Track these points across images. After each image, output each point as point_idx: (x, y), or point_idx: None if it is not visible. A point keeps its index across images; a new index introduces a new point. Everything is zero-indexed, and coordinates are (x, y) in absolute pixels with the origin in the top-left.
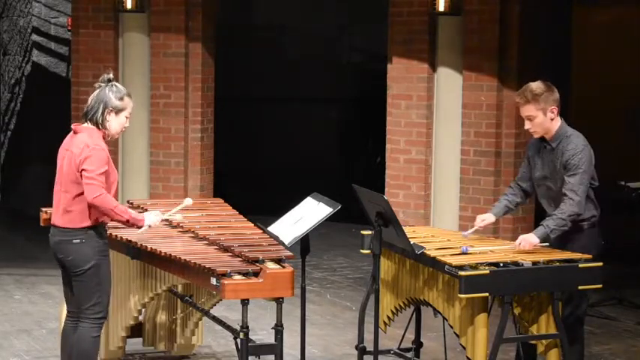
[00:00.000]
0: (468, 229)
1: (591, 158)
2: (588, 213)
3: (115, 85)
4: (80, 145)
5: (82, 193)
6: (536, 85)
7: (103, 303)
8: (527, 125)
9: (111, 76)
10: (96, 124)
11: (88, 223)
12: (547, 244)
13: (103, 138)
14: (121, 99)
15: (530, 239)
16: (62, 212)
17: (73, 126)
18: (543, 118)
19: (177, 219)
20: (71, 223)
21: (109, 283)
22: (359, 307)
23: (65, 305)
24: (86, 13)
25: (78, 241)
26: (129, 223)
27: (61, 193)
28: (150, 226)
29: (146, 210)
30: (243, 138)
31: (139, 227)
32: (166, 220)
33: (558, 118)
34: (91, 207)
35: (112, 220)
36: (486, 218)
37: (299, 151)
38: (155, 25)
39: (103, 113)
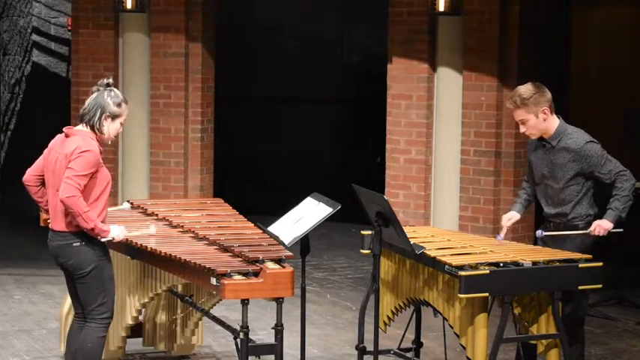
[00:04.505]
0: (468, 230)
1: (601, 147)
2: (584, 212)
3: (114, 91)
4: (72, 148)
5: None
6: (525, 89)
7: (109, 303)
8: (522, 129)
9: (110, 80)
10: (92, 127)
11: None
12: (621, 229)
13: (97, 141)
14: (119, 105)
15: (604, 225)
16: (59, 216)
17: (65, 129)
18: (536, 120)
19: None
20: (69, 227)
21: (112, 282)
22: (359, 307)
23: (65, 305)
24: (86, 13)
25: (77, 244)
26: (94, 232)
27: (56, 197)
28: (113, 239)
29: (146, 210)
30: (243, 138)
31: (102, 237)
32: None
33: (554, 117)
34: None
35: (77, 223)
36: (512, 217)
37: (299, 151)
38: (155, 25)
39: (100, 118)
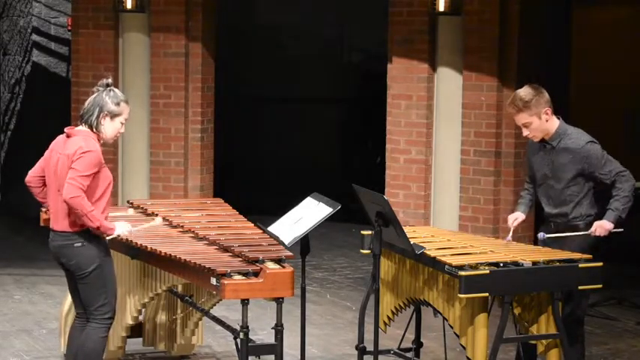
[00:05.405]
0: (468, 230)
1: (601, 147)
2: (585, 212)
3: (113, 90)
4: (74, 148)
5: None
6: (525, 92)
7: (110, 303)
8: (525, 132)
9: (110, 80)
10: (90, 127)
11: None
12: (622, 229)
13: (98, 141)
14: (118, 104)
15: (605, 225)
16: (61, 216)
17: (66, 129)
18: (539, 122)
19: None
20: (70, 227)
21: (114, 283)
22: (359, 307)
23: (65, 305)
24: (86, 13)
25: (79, 244)
26: (99, 230)
27: (58, 197)
28: (119, 235)
29: (146, 210)
30: (243, 138)
31: (108, 235)
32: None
33: (554, 117)
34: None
35: (82, 224)
36: (518, 217)
37: (299, 151)
38: (155, 25)
39: (98, 117)
